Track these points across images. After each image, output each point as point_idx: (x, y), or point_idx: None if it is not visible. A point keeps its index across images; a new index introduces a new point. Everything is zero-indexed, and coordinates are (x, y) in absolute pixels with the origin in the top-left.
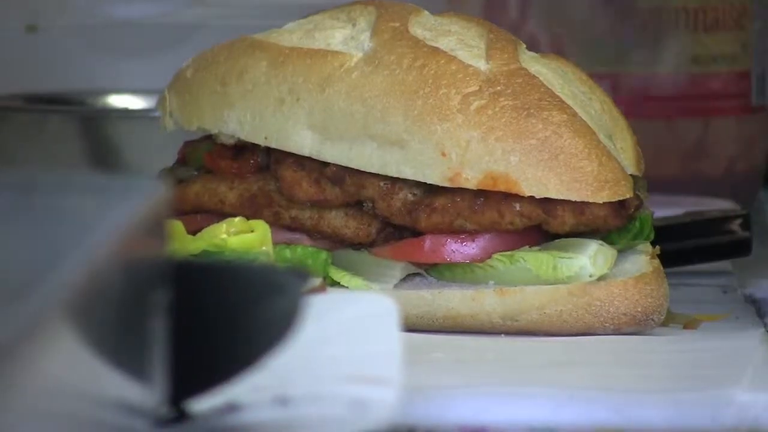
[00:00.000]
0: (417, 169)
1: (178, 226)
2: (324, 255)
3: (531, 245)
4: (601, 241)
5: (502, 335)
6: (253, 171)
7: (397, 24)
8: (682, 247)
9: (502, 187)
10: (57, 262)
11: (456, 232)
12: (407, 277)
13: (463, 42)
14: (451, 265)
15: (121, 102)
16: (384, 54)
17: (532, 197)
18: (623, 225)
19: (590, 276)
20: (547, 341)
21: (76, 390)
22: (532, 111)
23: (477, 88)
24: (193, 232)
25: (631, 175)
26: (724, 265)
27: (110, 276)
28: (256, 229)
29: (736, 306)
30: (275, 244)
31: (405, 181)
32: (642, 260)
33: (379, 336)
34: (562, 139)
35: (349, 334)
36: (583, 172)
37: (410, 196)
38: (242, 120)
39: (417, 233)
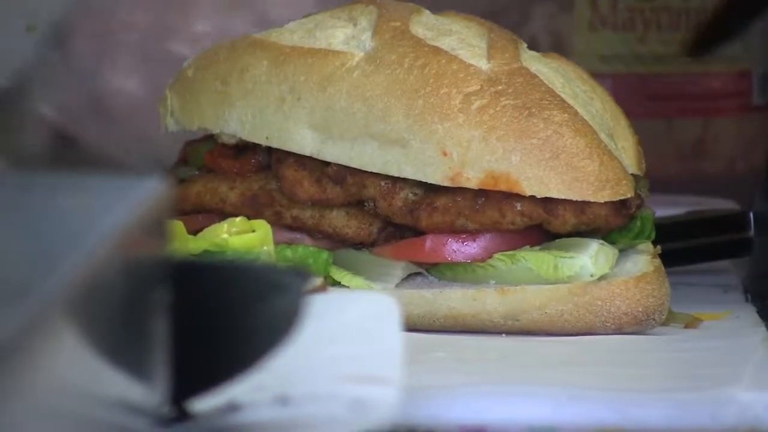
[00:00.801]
0: (418, 168)
1: (179, 226)
2: (325, 254)
3: (532, 245)
4: (602, 241)
5: (503, 335)
6: (254, 170)
7: (398, 23)
8: (683, 247)
9: (503, 187)
10: (57, 262)
11: (457, 231)
12: (408, 277)
13: (464, 41)
14: (453, 265)
15: None
16: (385, 53)
17: (533, 197)
18: (624, 224)
19: (591, 275)
20: (547, 341)
21: (77, 389)
22: (533, 110)
23: (478, 87)
24: (194, 232)
25: (632, 174)
26: (724, 264)
27: (111, 276)
28: (258, 228)
29: (737, 305)
30: (276, 243)
31: (406, 180)
32: (643, 260)
33: (380, 335)
34: (563, 139)
35: (350, 333)
36: (584, 171)
37: (411, 196)
38: (243, 119)
39: (418, 233)
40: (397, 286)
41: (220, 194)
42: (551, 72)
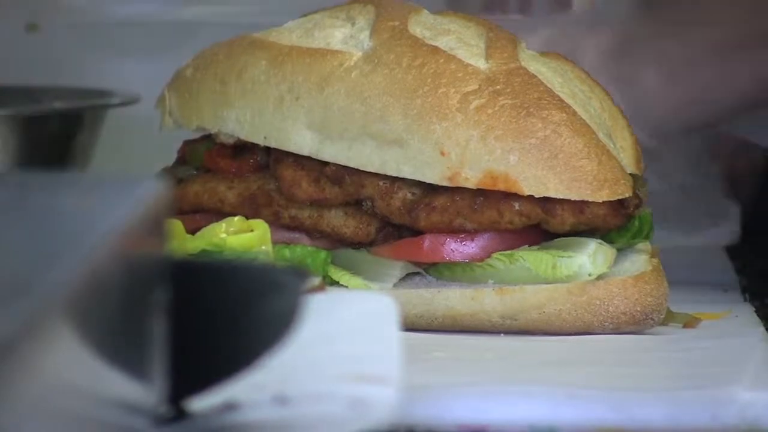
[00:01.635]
0: (416, 168)
1: (177, 226)
2: (323, 254)
3: (530, 244)
4: (600, 240)
5: (502, 334)
6: (252, 170)
7: (397, 23)
8: None
9: (501, 187)
10: (57, 262)
11: (455, 231)
12: (407, 277)
13: (462, 41)
14: (451, 265)
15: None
16: (383, 53)
17: (531, 196)
18: (623, 224)
19: (589, 275)
20: (546, 340)
21: (76, 389)
22: (531, 110)
23: (476, 87)
24: (193, 232)
25: (630, 174)
26: (724, 263)
27: (110, 275)
28: (256, 228)
29: (736, 305)
30: (275, 243)
31: (404, 180)
32: (641, 259)
33: (378, 335)
34: (561, 138)
35: (348, 333)
36: (582, 171)
37: (409, 196)
38: (242, 119)
39: (416, 232)
40: (395, 285)
41: (218, 194)
42: (550, 71)
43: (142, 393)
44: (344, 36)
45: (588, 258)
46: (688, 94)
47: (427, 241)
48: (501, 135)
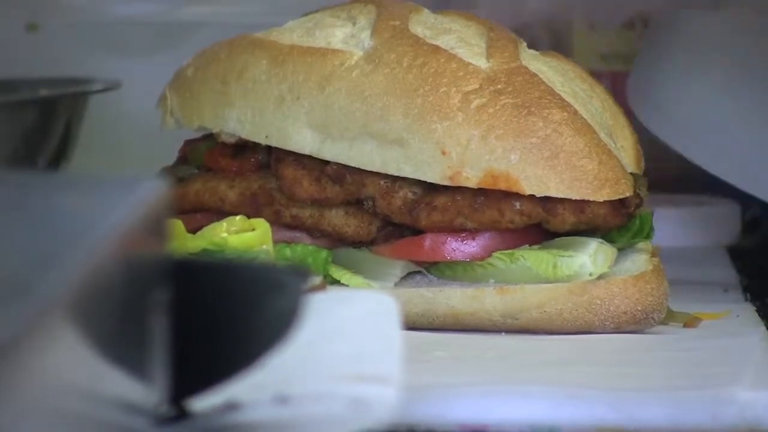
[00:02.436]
0: (417, 167)
1: (178, 225)
2: (324, 253)
3: (531, 244)
4: (601, 240)
5: (503, 333)
6: (253, 169)
7: (398, 22)
8: None
9: (502, 186)
10: (57, 262)
11: (456, 230)
12: (408, 276)
13: (463, 40)
14: (452, 264)
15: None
16: (384, 52)
17: (532, 196)
18: (623, 223)
19: (590, 274)
20: (547, 340)
21: (77, 388)
22: (532, 109)
23: (477, 86)
24: (194, 231)
25: (631, 173)
26: (724, 263)
27: (110, 275)
28: (257, 227)
29: (737, 304)
30: (276, 242)
31: (405, 179)
32: (642, 259)
33: (379, 334)
34: (562, 138)
35: (349, 332)
36: (583, 170)
37: (410, 195)
38: (243, 118)
39: (417, 232)
40: (396, 284)
41: (219, 193)
42: (551, 71)
43: (143, 393)
44: (345, 35)
45: (589, 257)
46: None
47: (428, 240)
48: (502, 134)
